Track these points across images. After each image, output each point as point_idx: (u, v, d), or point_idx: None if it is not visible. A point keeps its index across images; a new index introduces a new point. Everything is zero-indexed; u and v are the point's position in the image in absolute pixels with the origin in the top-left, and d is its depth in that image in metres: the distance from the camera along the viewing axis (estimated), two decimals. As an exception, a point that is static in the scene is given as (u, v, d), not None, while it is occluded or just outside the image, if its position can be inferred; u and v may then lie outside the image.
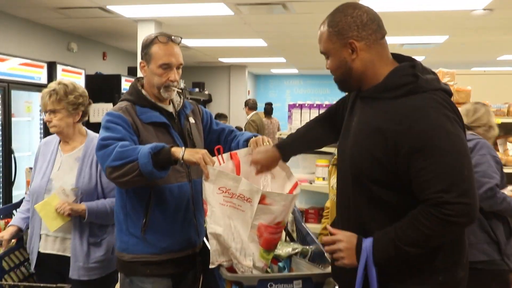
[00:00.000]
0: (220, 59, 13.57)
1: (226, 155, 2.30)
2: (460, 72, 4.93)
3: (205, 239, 2.58)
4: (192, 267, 2.58)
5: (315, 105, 4.87)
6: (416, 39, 9.40)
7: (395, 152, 1.75)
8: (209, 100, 13.98)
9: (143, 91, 2.51)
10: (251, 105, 10.12)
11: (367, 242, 1.81)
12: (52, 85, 2.90)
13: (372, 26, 1.86)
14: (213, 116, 2.85)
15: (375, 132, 1.81)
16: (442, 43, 9.94)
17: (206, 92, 13.74)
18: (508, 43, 9.88)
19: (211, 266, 2.18)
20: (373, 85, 1.88)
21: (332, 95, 16.64)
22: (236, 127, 3.25)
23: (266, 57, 12.87)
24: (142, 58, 2.49)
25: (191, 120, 2.64)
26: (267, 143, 2.39)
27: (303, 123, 4.87)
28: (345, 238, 1.87)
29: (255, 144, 2.39)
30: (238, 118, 13.89)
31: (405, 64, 1.88)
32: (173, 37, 2.45)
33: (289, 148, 2.32)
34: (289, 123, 5.01)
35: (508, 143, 4.62)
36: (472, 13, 7.09)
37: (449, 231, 1.76)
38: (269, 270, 2.27)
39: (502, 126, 4.27)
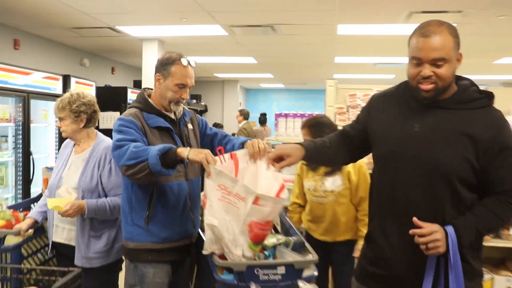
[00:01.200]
0: (215, 74, 13.57)
1: (226, 155, 2.26)
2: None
3: (200, 230, 2.60)
4: (189, 255, 2.60)
5: (298, 114, 4.91)
6: (388, 59, 9.48)
7: (484, 153, 1.85)
8: (205, 110, 13.97)
9: (150, 100, 2.53)
10: (245, 115, 10.21)
11: (450, 230, 1.84)
12: (64, 94, 2.92)
13: None
14: (209, 124, 2.88)
15: (463, 137, 1.86)
16: (410, 63, 10.00)
17: (203, 103, 13.73)
18: (472, 65, 9.96)
19: (204, 252, 2.19)
20: (445, 96, 1.93)
21: (314, 107, 16.72)
22: (232, 134, 3.26)
23: (256, 73, 12.90)
24: (158, 72, 2.48)
25: (189, 126, 2.66)
26: (262, 145, 2.29)
27: (288, 131, 4.95)
28: (438, 229, 1.83)
29: (251, 147, 2.30)
30: (230, 126, 13.90)
31: (467, 82, 1.98)
32: (191, 61, 2.49)
33: (314, 153, 2.21)
34: (275, 131, 5.04)
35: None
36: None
37: None
38: (256, 258, 2.28)
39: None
